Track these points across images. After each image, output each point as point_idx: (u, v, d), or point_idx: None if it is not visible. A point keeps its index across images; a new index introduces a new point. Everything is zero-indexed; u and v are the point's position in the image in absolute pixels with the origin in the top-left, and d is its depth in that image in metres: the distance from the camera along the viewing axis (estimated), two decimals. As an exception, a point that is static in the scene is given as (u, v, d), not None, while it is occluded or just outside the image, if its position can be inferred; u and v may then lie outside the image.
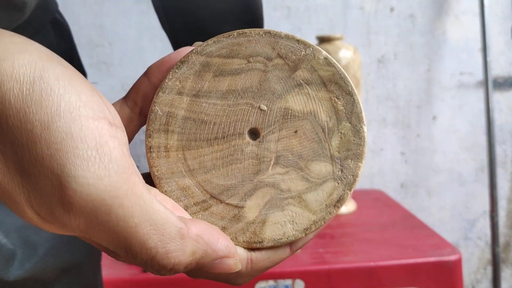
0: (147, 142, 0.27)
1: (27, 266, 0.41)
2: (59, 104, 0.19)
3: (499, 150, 1.51)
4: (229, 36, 0.28)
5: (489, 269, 1.57)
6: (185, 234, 0.22)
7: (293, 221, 0.27)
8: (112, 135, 0.21)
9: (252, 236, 0.27)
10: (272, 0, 1.41)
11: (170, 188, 0.27)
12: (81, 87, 0.21)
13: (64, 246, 0.45)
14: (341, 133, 0.27)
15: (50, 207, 0.19)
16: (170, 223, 0.22)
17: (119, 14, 1.36)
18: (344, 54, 1.16)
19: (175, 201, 0.27)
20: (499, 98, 1.51)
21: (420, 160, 1.50)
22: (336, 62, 0.28)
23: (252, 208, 0.27)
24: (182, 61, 0.27)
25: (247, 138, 0.27)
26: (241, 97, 0.27)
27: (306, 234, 0.27)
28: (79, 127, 0.19)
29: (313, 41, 1.35)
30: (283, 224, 0.27)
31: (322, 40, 1.18)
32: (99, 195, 0.19)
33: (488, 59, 1.37)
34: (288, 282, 0.89)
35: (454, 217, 1.56)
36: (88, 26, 1.33)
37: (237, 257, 0.25)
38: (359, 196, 1.34)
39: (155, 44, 1.39)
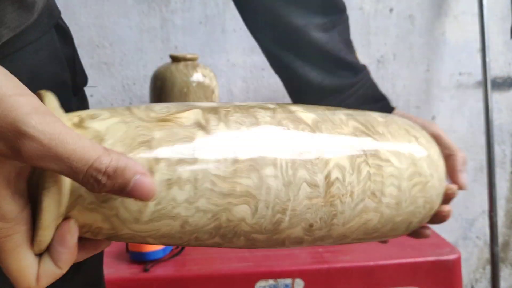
0: None
1: None
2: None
3: (498, 150, 1.52)
4: None
5: (488, 269, 1.58)
6: (109, 151, 0.29)
7: None
8: (43, 105, 0.28)
9: None
10: (272, 1, 1.41)
11: None
12: (8, 78, 0.28)
13: None
14: None
15: (11, 146, 0.27)
16: (96, 145, 0.28)
17: (120, 14, 1.37)
18: (344, 55, 1.16)
19: None
20: (498, 98, 1.51)
21: (419, 160, 1.51)
22: None
23: None
24: None
25: None
26: None
27: None
28: (16, 100, 0.27)
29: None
30: None
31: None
32: (42, 131, 0.27)
33: (487, 59, 1.37)
34: (288, 281, 0.90)
35: (453, 216, 1.56)
36: (89, 27, 1.33)
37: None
38: (358, 196, 1.34)
39: (156, 45, 1.39)
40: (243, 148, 0.35)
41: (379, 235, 0.43)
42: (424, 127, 0.50)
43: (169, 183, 0.32)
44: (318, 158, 0.37)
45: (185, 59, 1.15)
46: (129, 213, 0.32)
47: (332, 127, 0.40)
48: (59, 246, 0.31)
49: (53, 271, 0.31)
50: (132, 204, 0.32)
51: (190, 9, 1.39)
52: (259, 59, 1.36)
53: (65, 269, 0.31)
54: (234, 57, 1.42)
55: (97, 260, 0.53)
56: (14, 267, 0.30)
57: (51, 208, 0.29)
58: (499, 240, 1.51)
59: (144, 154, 0.32)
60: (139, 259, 0.93)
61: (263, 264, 0.91)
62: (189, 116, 0.35)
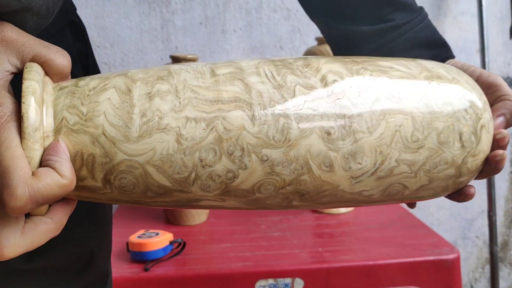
0: None
1: (42, 256, 0.44)
2: None
3: (497, 150, 1.52)
4: None
5: (487, 268, 1.58)
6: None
7: None
8: None
9: None
10: (271, 2, 1.42)
11: None
12: None
13: (78, 236, 0.47)
14: None
15: None
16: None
17: (120, 15, 1.37)
18: (343, 55, 1.17)
19: None
20: (497, 99, 1.51)
21: (419, 160, 1.51)
22: None
23: None
24: None
25: None
26: None
27: None
28: None
29: (313, 43, 1.36)
30: None
31: (322, 41, 1.19)
32: None
33: (487, 59, 1.37)
34: (288, 280, 0.90)
35: (452, 216, 1.56)
36: (89, 27, 1.34)
37: None
38: (358, 196, 1.34)
39: (156, 45, 1.40)
40: (220, 66, 0.35)
41: (430, 154, 0.36)
42: (475, 75, 0.44)
43: (150, 95, 0.32)
44: (306, 68, 0.35)
45: (185, 60, 1.16)
46: (116, 129, 0.31)
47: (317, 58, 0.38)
48: (53, 156, 0.29)
49: (54, 175, 0.29)
50: (116, 119, 0.31)
51: (190, 9, 1.39)
52: (259, 59, 1.36)
53: (69, 177, 0.29)
54: (234, 57, 1.42)
55: (104, 258, 0.54)
56: (7, 153, 0.28)
57: (34, 111, 0.29)
58: (498, 239, 1.51)
59: (120, 79, 0.33)
60: (140, 258, 0.93)
61: (263, 264, 0.92)
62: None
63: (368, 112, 0.35)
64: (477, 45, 1.45)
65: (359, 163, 0.35)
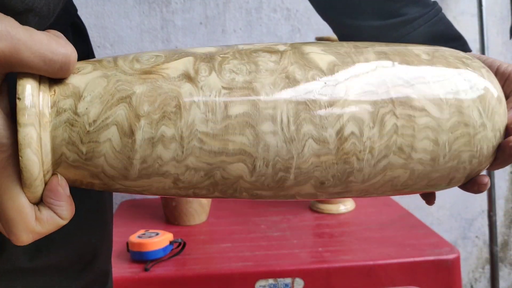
0: None
1: (45, 255, 0.45)
2: None
3: (497, 150, 1.52)
4: None
5: (487, 268, 1.58)
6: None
7: None
8: None
9: None
10: (271, 2, 1.42)
11: None
12: None
13: (79, 235, 0.48)
14: None
15: None
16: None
17: (121, 15, 1.37)
18: (343, 55, 1.16)
19: None
20: (497, 99, 1.51)
21: (419, 160, 1.51)
22: None
23: None
24: None
25: None
26: None
27: None
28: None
29: (313, 42, 1.37)
30: None
31: (322, 41, 1.19)
32: None
33: (486, 59, 1.37)
34: (288, 280, 0.90)
35: (452, 216, 1.56)
36: (89, 27, 1.34)
37: None
38: (358, 196, 1.34)
39: (156, 45, 1.40)
40: (235, 102, 0.32)
41: (413, 190, 0.37)
42: (494, 66, 0.43)
43: (153, 142, 0.31)
44: (328, 111, 0.33)
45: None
46: (116, 171, 0.31)
47: (353, 71, 0.34)
48: (54, 200, 0.31)
49: (55, 219, 0.31)
50: (116, 162, 0.31)
51: (190, 9, 1.39)
52: (259, 59, 1.36)
53: (67, 218, 0.31)
54: (234, 57, 1.42)
55: (105, 257, 0.54)
56: (10, 205, 0.29)
57: (33, 162, 0.29)
58: (498, 239, 1.51)
59: (123, 111, 0.30)
60: (140, 258, 0.93)
61: (263, 264, 0.92)
62: (177, 66, 0.32)
63: (369, 168, 0.34)
64: (477, 45, 1.45)
65: (342, 196, 0.36)
